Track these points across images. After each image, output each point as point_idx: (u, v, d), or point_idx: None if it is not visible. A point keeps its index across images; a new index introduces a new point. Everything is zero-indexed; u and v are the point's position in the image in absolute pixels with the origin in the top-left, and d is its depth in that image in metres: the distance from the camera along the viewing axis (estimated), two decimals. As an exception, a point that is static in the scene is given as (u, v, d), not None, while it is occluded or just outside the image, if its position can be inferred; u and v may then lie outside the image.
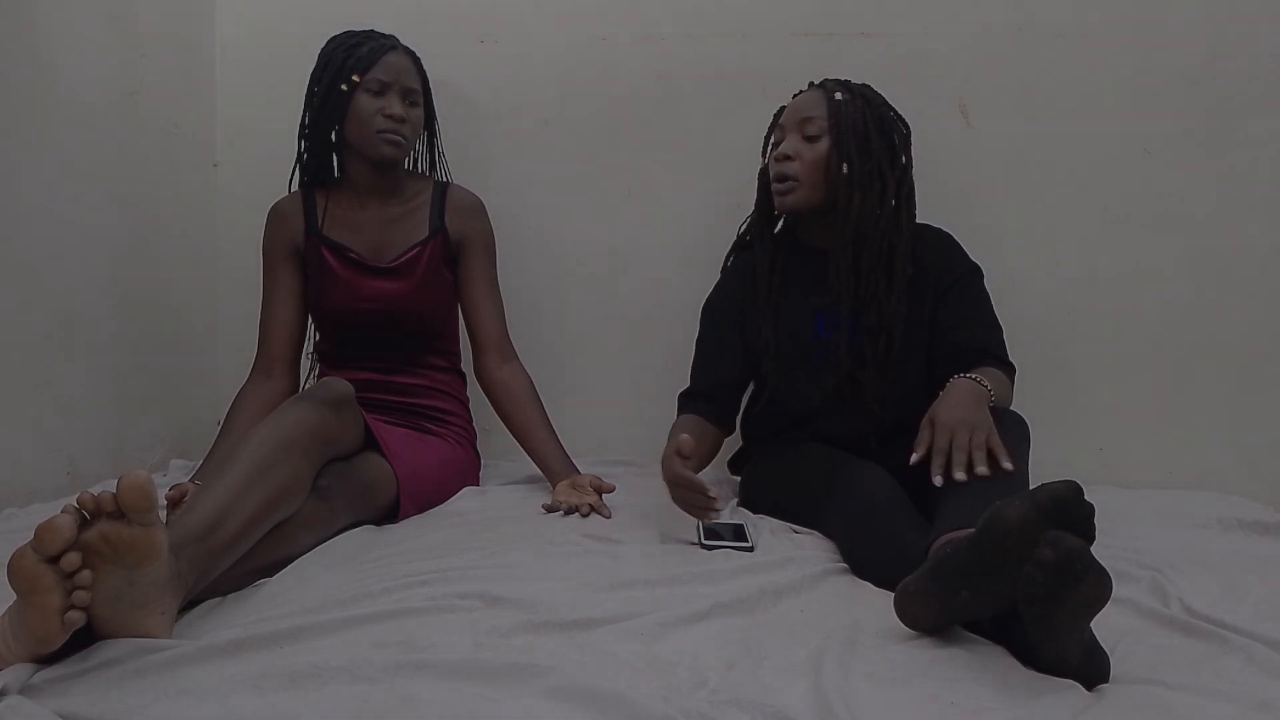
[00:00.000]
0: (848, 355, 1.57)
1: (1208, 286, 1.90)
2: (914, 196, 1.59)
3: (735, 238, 1.75)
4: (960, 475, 1.21)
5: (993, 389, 1.38)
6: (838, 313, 1.57)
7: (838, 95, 1.55)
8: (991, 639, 1.02)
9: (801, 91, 1.63)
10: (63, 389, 1.63)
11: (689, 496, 1.41)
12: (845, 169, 1.53)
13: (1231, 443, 1.90)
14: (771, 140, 1.64)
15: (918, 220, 1.61)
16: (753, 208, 1.71)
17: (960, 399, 1.34)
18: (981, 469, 1.21)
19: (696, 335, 1.74)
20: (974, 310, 1.59)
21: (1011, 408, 1.44)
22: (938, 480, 1.24)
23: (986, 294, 1.62)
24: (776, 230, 1.71)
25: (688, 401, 1.70)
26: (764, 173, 1.66)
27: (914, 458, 1.29)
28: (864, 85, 1.61)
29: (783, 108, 1.64)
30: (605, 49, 2.00)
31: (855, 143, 1.53)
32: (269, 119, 1.99)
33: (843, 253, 1.55)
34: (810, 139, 1.55)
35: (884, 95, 1.61)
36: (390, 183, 1.73)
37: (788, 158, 1.56)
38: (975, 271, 1.62)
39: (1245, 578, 1.23)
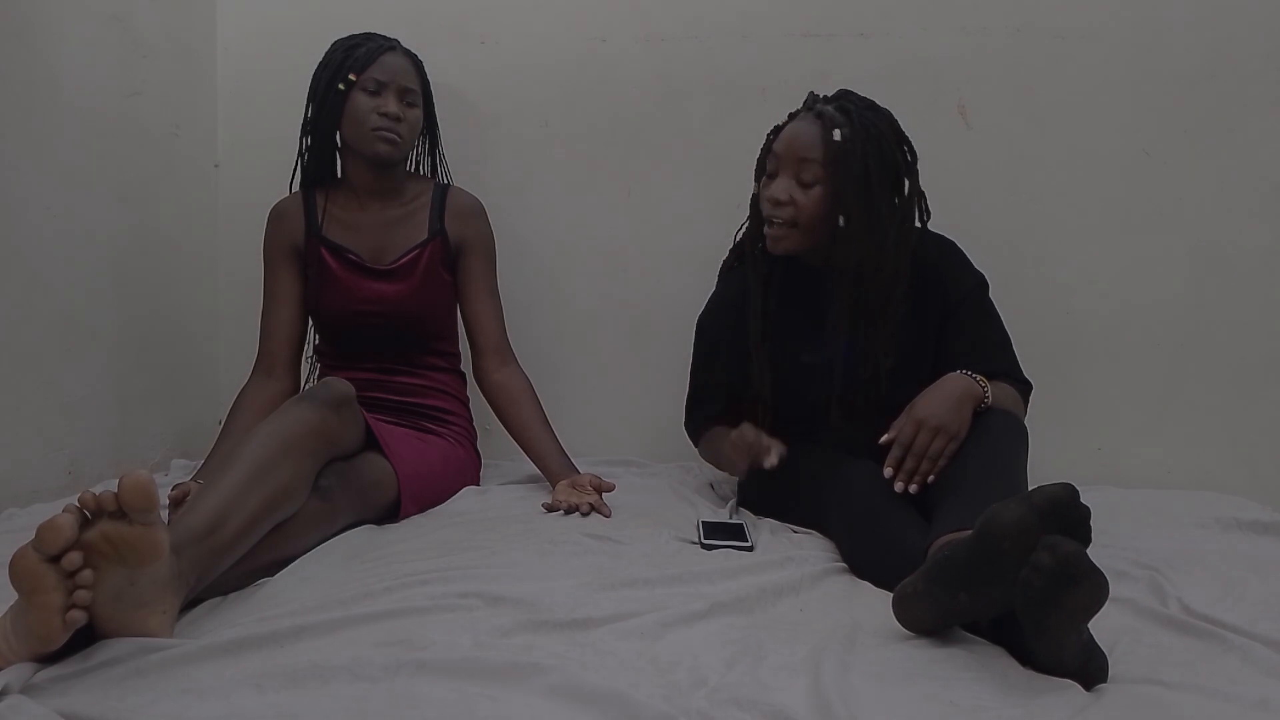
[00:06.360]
0: (840, 387, 1.54)
1: (1207, 286, 1.90)
2: (914, 225, 1.53)
3: (732, 245, 1.71)
4: (900, 486, 1.30)
5: (991, 392, 1.38)
6: (835, 342, 1.53)
7: (836, 134, 1.42)
8: (990, 639, 1.02)
9: (795, 113, 1.52)
10: (64, 389, 1.63)
11: (746, 445, 1.43)
12: (842, 221, 1.44)
13: (1230, 443, 1.90)
14: (766, 170, 1.53)
15: (924, 227, 1.58)
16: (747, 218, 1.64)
17: (945, 395, 1.34)
18: (930, 480, 1.29)
19: (692, 351, 1.72)
20: (984, 331, 1.55)
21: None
22: (887, 473, 1.31)
23: (994, 309, 1.58)
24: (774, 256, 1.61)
25: (706, 421, 1.69)
26: (756, 199, 1.57)
27: (884, 439, 1.34)
28: (866, 106, 1.49)
29: (778, 129, 1.53)
30: (606, 50, 2.00)
31: (854, 191, 1.43)
32: (270, 121, 1.99)
33: (841, 299, 1.49)
34: (806, 185, 1.45)
35: (888, 108, 1.53)
36: (390, 184, 1.73)
37: (781, 203, 1.47)
38: (981, 286, 1.58)
39: (1244, 577, 1.24)
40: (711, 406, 1.68)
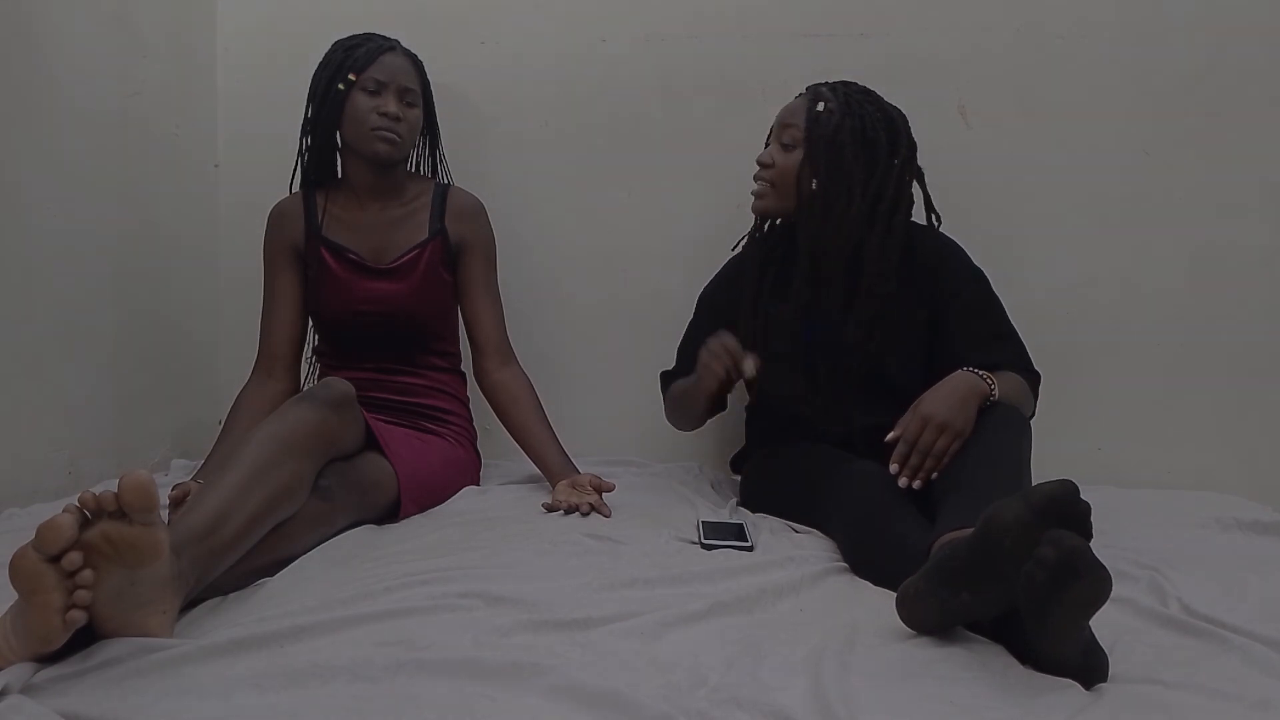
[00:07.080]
0: (812, 363, 1.56)
1: (1207, 286, 1.90)
2: (901, 212, 1.55)
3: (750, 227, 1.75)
4: (904, 482, 1.31)
5: (997, 388, 1.38)
6: (827, 320, 1.56)
7: (819, 106, 1.54)
8: (991, 638, 1.02)
9: (801, 95, 1.61)
10: (65, 389, 1.63)
11: (719, 353, 1.46)
12: (814, 184, 1.53)
13: (1230, 443, 1.90)
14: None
15: (930, 226, 1.61)
16: None
17: (950, 393, 1.34)
18: (933, 477, 1.29)
19: (690, 320, 1.77)
20: (987, 323, 1.56)
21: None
22: (892, 469, 1.32)
23: (996, 301, 1.58)
24: (779, 232, 1.70)
25: (679, 376, 1.71)
26: None
27: (889, 436, 1.34)
28: (860, 92, 1.58)
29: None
30: (605, 50, 2.00)
31: (826, 157, 1.51)
32: (270, 121, 1.99)
33: (804, 264, 1.56)
34: (786, 148, 1.57)
35: (885, 101, 1.58)
36: (390, 184, 1.73)
37: (763, 164, 1.59)
38: (979, 280, 1.59)
39: (1244, 577, 1.23)
40: (691, 364, 1.69)
